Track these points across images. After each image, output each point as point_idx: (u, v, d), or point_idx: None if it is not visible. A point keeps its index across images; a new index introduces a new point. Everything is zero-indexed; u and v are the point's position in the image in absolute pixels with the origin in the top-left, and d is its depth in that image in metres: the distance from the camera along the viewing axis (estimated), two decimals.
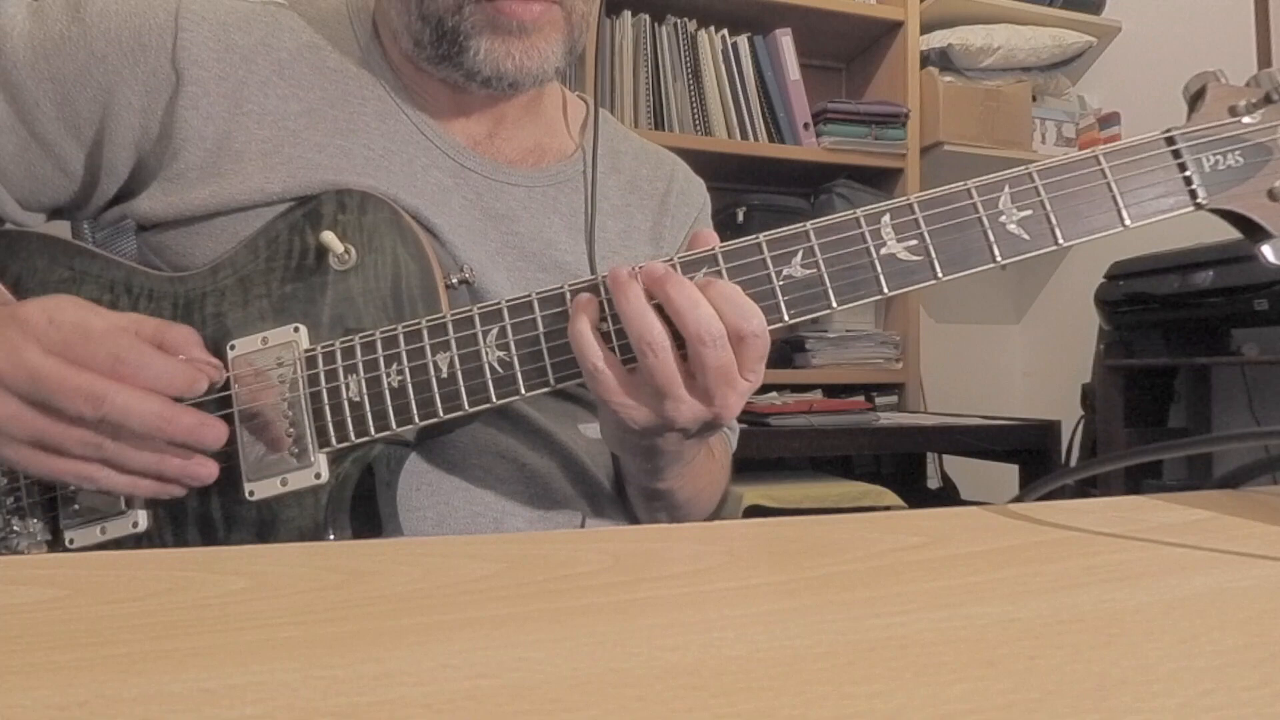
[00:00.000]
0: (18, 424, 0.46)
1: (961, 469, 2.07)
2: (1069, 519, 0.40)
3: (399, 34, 0.61)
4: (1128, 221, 0.47)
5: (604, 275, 0.48)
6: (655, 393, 0.46)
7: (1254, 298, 1.46)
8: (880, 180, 2.01)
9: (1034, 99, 2.17)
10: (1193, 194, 0.47)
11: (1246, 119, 0.47)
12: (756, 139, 1.88)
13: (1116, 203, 0.47)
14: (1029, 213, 0.47)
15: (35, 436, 0.47)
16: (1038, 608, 0.26)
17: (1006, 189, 0.47)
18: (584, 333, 0.46)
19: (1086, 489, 1.38)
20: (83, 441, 0.47)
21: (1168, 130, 0.48)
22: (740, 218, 1.88)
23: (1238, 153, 0.47)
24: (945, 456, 2.07)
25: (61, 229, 0.64)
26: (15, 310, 0.47)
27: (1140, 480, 1.61)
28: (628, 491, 0.64)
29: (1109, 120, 2.19)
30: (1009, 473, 1.72)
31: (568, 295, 0.48)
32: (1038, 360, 2.38)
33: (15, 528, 0.52)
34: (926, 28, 2.07)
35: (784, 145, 1.90)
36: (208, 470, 0.49)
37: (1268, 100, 0.47)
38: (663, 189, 0.73)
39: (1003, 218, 0.47)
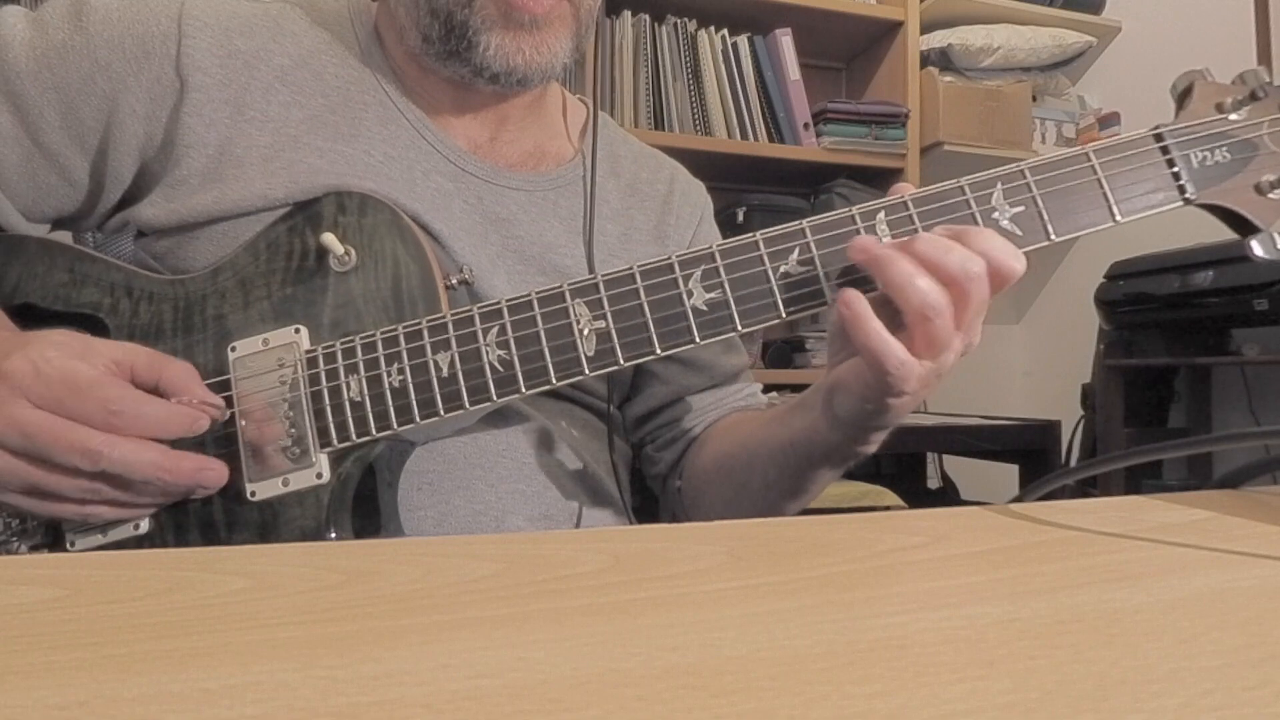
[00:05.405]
0: (10, 476, 0.45)
1: (961, 469, 2.07)
2: (1069, 519, 0.40)
3: (406, 31, 0.61)
4: (1118, 217, 0.47)
5: (603, 275, 0.48)
6: (933, 350, 0.45)
7: (1254, 298, 1.46)
8: (880, 180, 2.01)
9: (1034, 99, 2.17)
10: (1181, 189, 0.48)
11: (1233, 116, 0.48)
12: (756, 139, 1.88)
13: (1107, 199, 0.47)
14: (1021, 209, 0.47)
15: (30, 486, 0.45)
16: (1038, 608, 0.26)
17: (999, 186, 0.47)
18: (883, 333, 0.45)
19: (1086, 489, 1.38)
20: (81, 488, 0.46)
21: (1156, 127, 0.48)
22: (740, 218, 1.88)
23: (1224, 149, 0.48)
24: (945, 456, 2.06)
25: (62, 232, 0.64)
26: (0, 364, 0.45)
27: (1140, 480, 1.61)
28: (773, 483, 0.61)
29: (1109, 120, 2.19)
30: (1009, 473, 1.72)
31: (567, 294, 0.48)
32: (1038, 360, 2.38)
33: (15, 530, 0.52)
34: (926, 28, 2.07)
35: (784, 145, 1.90)
36: (216, 478, 0.48)
37: (1253, 97, 0.48)
38: (664, 190, 0.73)
39: (995, 214, 0.47)
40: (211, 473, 0.48)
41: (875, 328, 0.45)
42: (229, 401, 0.50)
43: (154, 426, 0.46)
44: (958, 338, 0.45)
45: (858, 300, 0.45)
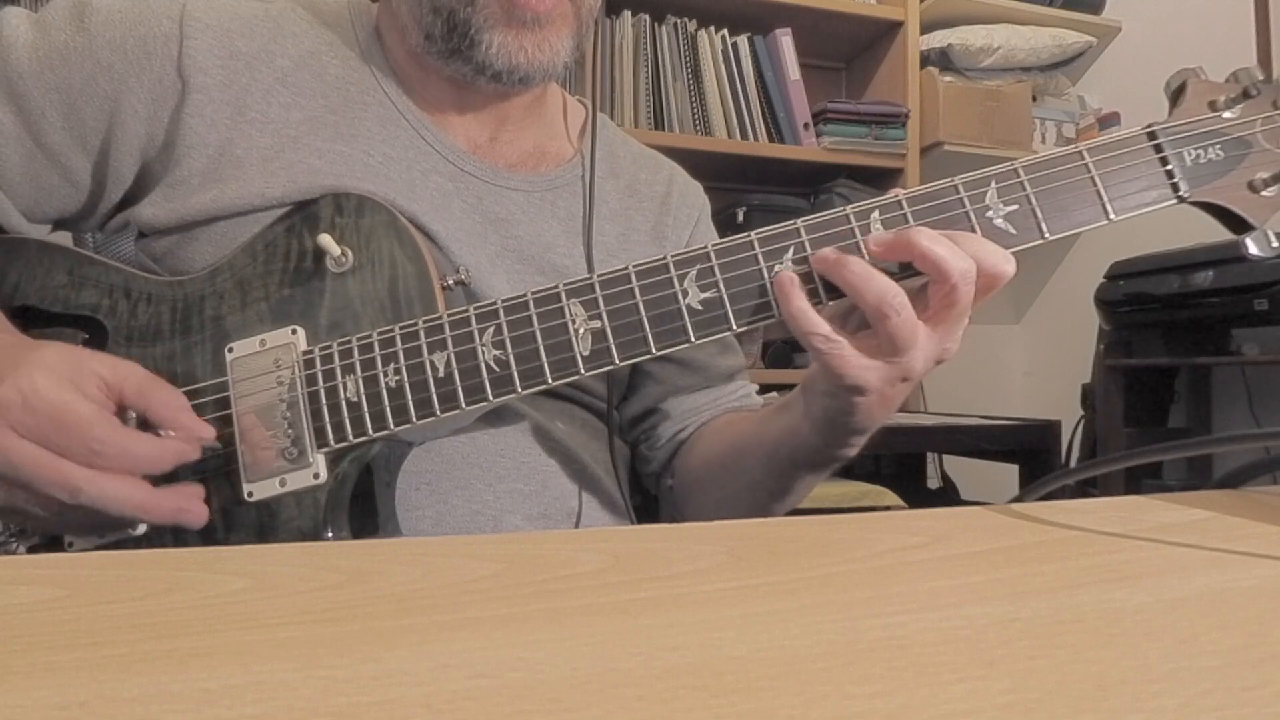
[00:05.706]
0: None
1: (961, 469, 2.07)
2: (1069, 519, 0.40)
3: (408, 29, 0.61)
4: (1112, 215, 0.47)
5: (599, 275, 0.48)
6: (895, 349, 0.45)
7: (1254, 298, 1.46)
8: (880, 180, 2.01)
9: (1034, 99, 2.17)
10: (1175, 187, 0.48)
11: (1226, 114, 0.48)
12: (756, 139, 1.88)
13: (1101, 196, 0.47)
14: (1015, 208, 0.47)
15: (12, 508, 0.46)
16: (1038, 608, 0.26)
17: (993, 184, 0.47)
18: (806, 310, 0.46)
19: (1086, 489, 1.38)
20: (61, 514, 0.46)
21: (1149, 125, 0.48)
22: (740, 218, 1.88)
23: (1218, 146, 0.48)
24: (945, 456, 2.06)
25: (62, 234, 0.64)
26: None
27: (1140, 480, 1.61)
28: (758, 483, 0.61)
29: (1109, 120, 2.19)
30: (1009, 473, 1.72)
31: (562, 294, 0.48)
32: (1038, 360, 2.38)
33: (14, 530, 0.52)
34: (926, 28, 2.07)
35: (784, 145, 1.90)
36: (195, 519, 0.48)
37: (1246, 95, 0.48)
38: (663, 191, 0.74)
39: (989, 213, 0.47)
40: (191, 514, 0.48)
41: (798, 304, 0.46)
42: (226, 402, 0.50)
43: (139, 464, 0.46)
44: (932, 342, 0.46)
45: (786, 280, 0.46)
